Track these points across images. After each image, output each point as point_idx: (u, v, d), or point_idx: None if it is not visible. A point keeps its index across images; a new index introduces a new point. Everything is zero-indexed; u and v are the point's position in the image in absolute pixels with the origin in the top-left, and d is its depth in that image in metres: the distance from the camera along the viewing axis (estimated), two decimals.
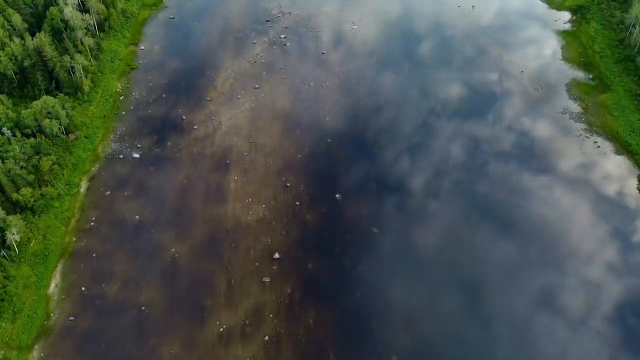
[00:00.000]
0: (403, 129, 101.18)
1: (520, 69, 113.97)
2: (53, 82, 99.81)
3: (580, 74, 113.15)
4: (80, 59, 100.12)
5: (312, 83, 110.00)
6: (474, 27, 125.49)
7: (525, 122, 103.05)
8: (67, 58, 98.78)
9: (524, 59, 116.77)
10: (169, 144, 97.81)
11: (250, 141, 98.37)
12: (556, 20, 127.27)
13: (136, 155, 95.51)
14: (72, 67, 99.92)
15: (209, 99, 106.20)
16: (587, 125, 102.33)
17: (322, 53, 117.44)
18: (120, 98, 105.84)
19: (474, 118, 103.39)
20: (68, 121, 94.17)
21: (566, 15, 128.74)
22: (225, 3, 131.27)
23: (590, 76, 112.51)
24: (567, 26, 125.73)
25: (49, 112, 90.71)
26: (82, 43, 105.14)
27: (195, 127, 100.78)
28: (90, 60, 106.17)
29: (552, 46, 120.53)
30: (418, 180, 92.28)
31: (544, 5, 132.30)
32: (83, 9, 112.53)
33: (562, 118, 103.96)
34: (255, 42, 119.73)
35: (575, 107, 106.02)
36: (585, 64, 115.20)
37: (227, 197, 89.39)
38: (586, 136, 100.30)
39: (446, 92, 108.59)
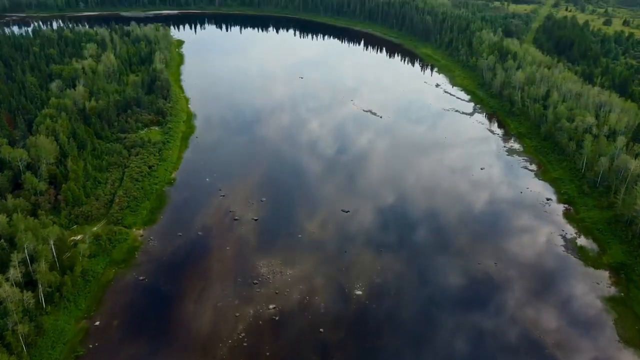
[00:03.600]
0: None
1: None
2: None
3: None
4: None
5: None
6: (496, 299, 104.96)
7: None
8: None
9: (575, 344, 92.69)
10: None
11: None
12: (598, 283, 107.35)
13: None
14: None
15: None
16: None
17: (321, 331, 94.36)
18: None
19: None
20: None
21: (607, 276, 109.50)
22: (208, 259, 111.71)
23: None
24: (613, 290, 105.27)
25: None
26: (13, 332, 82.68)
27: None
28: (20, 352, 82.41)
29: (601, 321, 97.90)
30: None
31: (578, 262, 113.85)
32: (31, 279, 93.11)
33: None
34: (237, 314, 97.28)
35: None
36: None
37: None
38: None
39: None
